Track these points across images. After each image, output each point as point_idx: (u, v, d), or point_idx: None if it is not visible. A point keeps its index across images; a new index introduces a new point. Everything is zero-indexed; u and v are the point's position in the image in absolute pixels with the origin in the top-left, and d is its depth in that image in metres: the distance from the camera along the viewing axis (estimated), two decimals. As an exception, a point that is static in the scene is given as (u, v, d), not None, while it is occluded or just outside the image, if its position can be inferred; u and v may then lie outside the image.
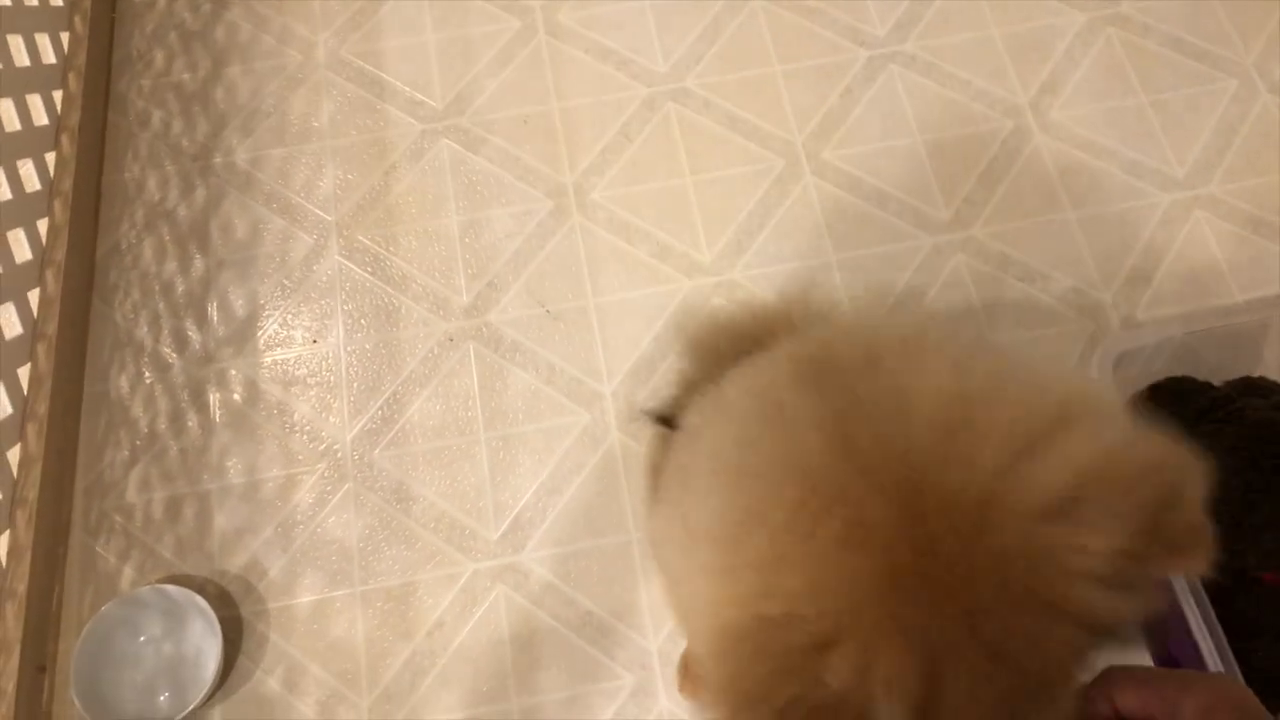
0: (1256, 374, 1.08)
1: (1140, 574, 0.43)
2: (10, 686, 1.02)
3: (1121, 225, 1.27)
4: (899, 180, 1.30)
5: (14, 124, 1.20)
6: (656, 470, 0.75)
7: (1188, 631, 0.90)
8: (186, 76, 1.40)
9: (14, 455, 1.11)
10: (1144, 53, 1.37)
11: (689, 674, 1.04)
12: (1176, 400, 1.04)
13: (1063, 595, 0.42)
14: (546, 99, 1.37)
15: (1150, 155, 1.30)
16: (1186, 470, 0.46)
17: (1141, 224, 1.26)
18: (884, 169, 1.31)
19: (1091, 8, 1.40)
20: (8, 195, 1.16)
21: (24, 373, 1.15)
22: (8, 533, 1.08)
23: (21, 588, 1.06)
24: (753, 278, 1.25)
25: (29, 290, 1.18)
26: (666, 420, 0.77)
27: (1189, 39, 1.37)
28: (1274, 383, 1.05)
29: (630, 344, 1.23)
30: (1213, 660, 0.89)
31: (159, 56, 1.42)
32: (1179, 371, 1.08)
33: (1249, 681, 0.95)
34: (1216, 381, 1.07)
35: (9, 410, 1.11)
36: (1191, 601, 0.90)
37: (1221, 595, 0.97)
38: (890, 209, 1.28)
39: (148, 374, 1.23)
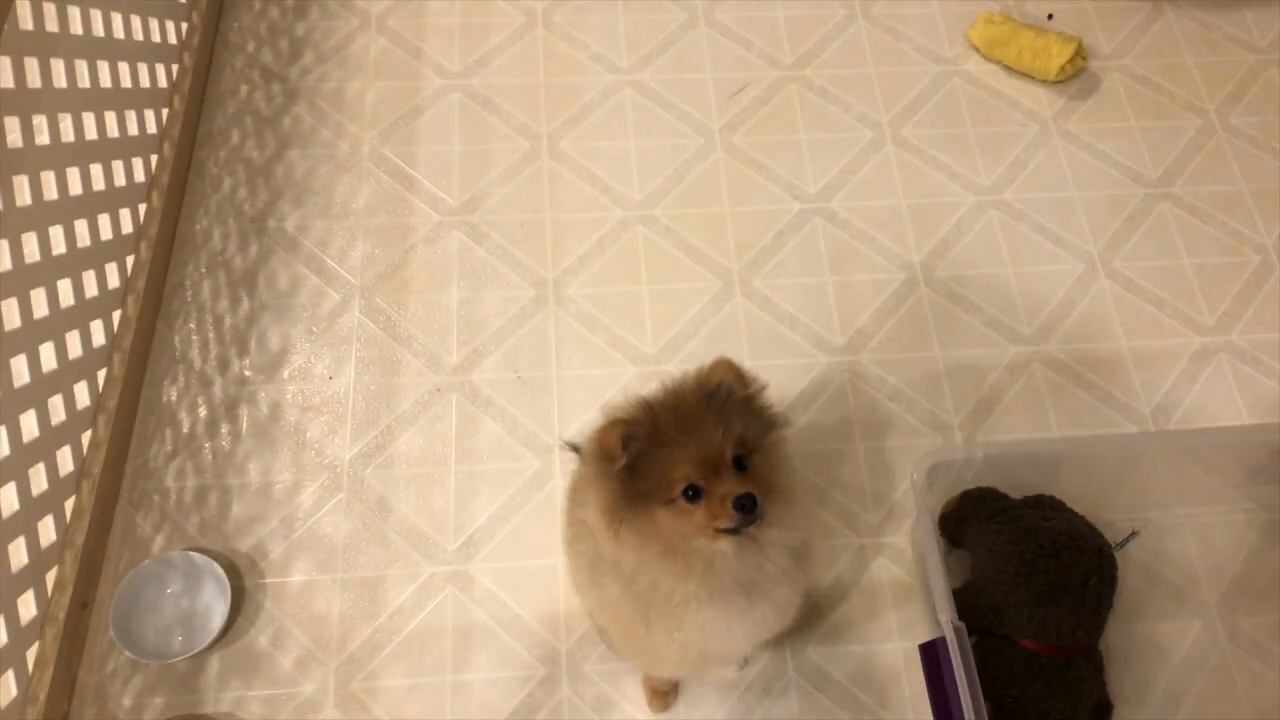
0: (1049, 493, 1.40)
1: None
2: (61, 615, 1.32)
3: (975, 367, 1.61)
4: (808, 309, 1.64)
5: (120, 180, 1.53)
6: (572, 488, 1.13)
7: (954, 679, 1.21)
8: (255, 153, 1.75)
9: (85, 438, 1.42)
10: (1015, 232, 1.73)
11: (649, 688, 1.34)
12: (978, 503, 1.37)
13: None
14: (541, 209, 1.72)
15: (1005, 314, 1.65)
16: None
17: (990, 368, 1.60)
18: (797, 299, 1.65)
19: (982, 193, 1.76)
20: (110, 235, 1.49)
21: (101, 375, 1.46)
22: (74, 497, 1.38)
23: (79, 540, 1.36)
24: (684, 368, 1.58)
25: (114, 310, 1.50)
26: (576, 448, 1.13)
27: (1050, 226, 1.73)
28: (1057, 500, 1.38)
29: (579, 411, 1.55)
30: (967, 700, 1.19)
31: (235, 134, 1.76)
32: (991, 484, 1.41)
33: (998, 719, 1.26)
34: (1016, 495, 1.39)
35: (87, 402, 1.42)
36: (959, 658, 1.20)
37: (989, 655, 1.29)
38: (798, 331, 1.62)
39: (194, 387, 1.55)
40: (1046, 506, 1.35)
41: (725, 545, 0.94)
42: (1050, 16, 1.96)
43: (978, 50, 1.91)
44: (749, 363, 1.58)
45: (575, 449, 1.03)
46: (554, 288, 1.65)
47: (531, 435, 1.53)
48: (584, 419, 1.54)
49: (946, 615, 1.21)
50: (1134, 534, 1.37)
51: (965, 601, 1.31)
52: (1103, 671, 1.30)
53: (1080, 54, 1.86)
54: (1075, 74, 1.88)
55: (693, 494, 0.91)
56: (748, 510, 0.90)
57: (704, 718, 1.34)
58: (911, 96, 1.87)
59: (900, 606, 1.43)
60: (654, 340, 1.61)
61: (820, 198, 1.75)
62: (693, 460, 0.91)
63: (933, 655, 1.27)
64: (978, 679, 1.18)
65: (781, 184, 1.77)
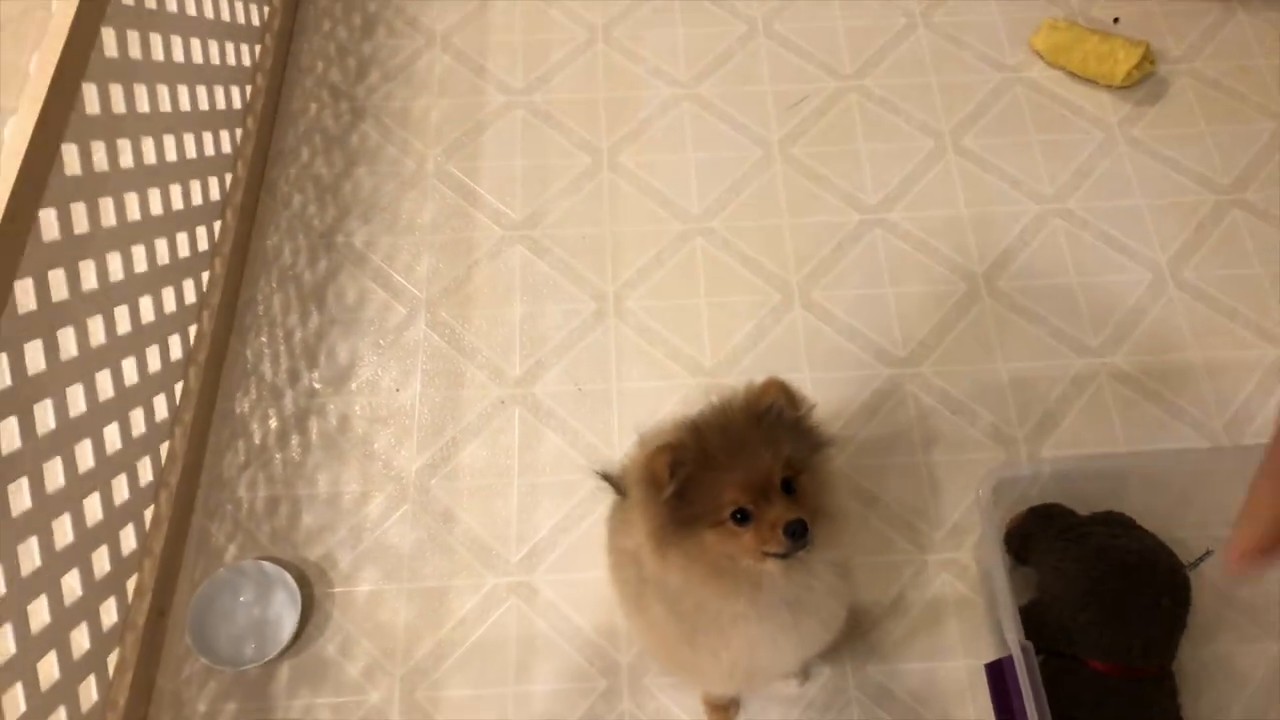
0: (1119, 510, 1.38)
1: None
2: (140, 622, 1.36)
3: (1038, 382, 1.58)
4: (868, 320, 1.64)
5: (197, 199, 1.58)
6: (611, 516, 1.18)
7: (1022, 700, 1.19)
8: (324, 170, 1.79)
9: (164, 449, 1.47)
10: (1080, 241, 1.70)
11: (708, 704, 1.35)
12: (1045, 520, 1.35)
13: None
14: (601, 223, 1.74)
15: (1070, 325, 1.62)
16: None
17: (1054, 384, 1.58)
18: (858, 311, 1.65)
19: (1046, 201, 1.74)
20: (187, 253, 1.54)
21: (178, 388, 1.51)
22: (153, 506, 1.43)
23: (157, 549, 1.41)
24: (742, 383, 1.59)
25: (190, 326, 1.55)
26: (609, 479, 1.15)
27: (1116, 235, 1.71)
28: (1126, 517, 1.35)
29: (642, 424, 1.56)
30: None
31: (305, 152, 1.81)
32: (1057, 499, 1.39)
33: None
34: (1083, 511, 1.37)
35: (165, 415, 1.47)
36: (1026, 679, 1.19)
37: (1057, 676, 1.27)
38: (858, 343, 1.62)
39: (265, 399, 1.59)
40: (1115, 524, 1.33)
41: (773, 567, 0.95)
42: (1116, 20, 1.93)
43: (1041, 57, 1.89)
44: (808, 376, 1.61)
45: (610, 480, 1.05)
46: (614, 301, 1.67)
47: (592, 448, 1.55)
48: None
49: (1014, 634, 1.20)
50: (1208, 553, 1.35)
51: (1032, 620, 1.29)
52: (1176, 696, 1.27)
53: (1148, 58, 1.82)
54: (1142, 79, 1.85)
55: (741, 517, 0.92)
56: (798, 536, 0.91)
57: (765, 731, 1.35)
58: (973, 105, 1.85)
59: (964, 623, 1.41)
60: (712, 353, 1.62)
61: (880, 208, 1.75)
62: (741, 484, 0.92)
63: (999, 675, 1.26)
64: (1045, 700, 1.17)
65: (841, 195, 1.76)
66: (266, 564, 1.42)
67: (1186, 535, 1.38)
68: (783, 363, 1.61)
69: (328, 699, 1.38)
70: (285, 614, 1.41)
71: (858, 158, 1.80)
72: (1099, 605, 1.25)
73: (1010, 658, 1.22)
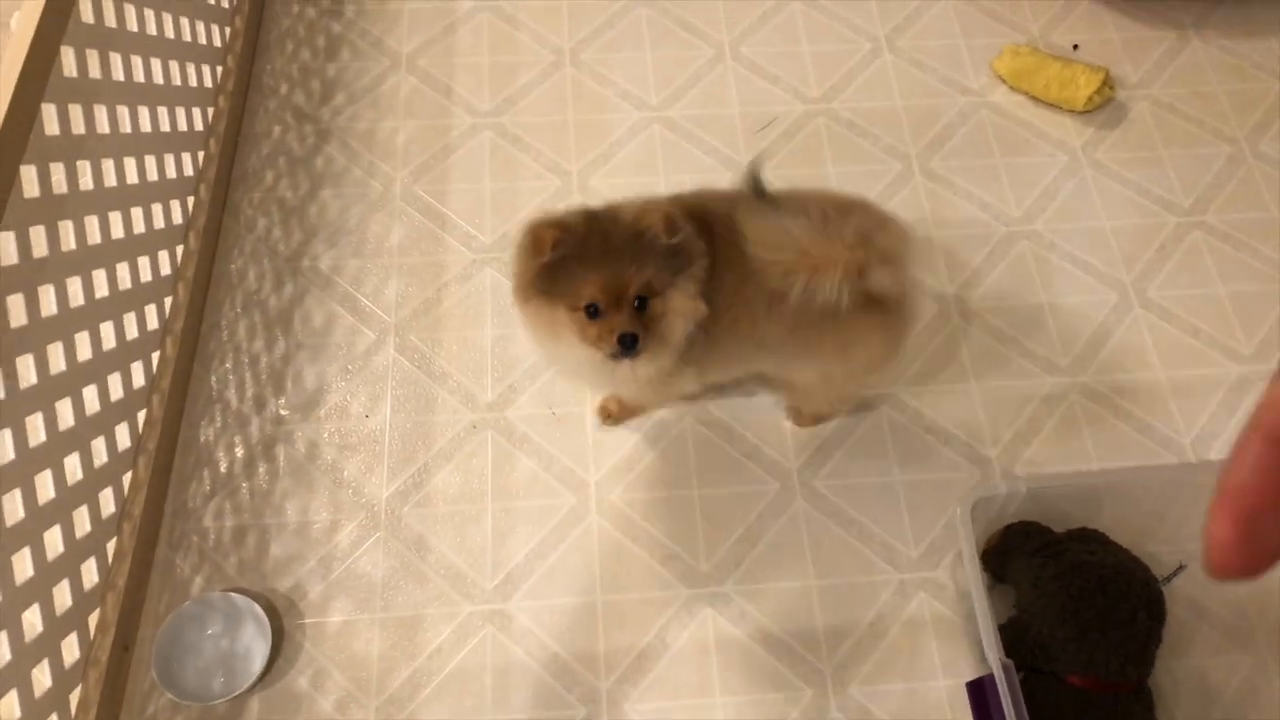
0: (1093, 526, 1.39)
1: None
2: (104, 658, 1.32)
3: (1012, 398, 1.60)
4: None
5: (159, 222, 1.55)
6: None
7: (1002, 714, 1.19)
8: (289, 194, 1.76)
9: (126, 479, 1.43)
10: (1048, 263, 1.73)
11: (604, 409, 1.55)
12: (1022, 537, 1.36)
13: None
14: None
15: (1040, 345, 1.64)
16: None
17: (1027, 399, 1.60)
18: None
19: (1013, 224, 1.76)
20: (149, 277, 1.50)
21: (141, 416, 1.47)
22: (115, 539, 1.39)
23: (121, 582, 1.37)
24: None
25: (153, 352, 1.51)
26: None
27: (1082, 256, 1.73)
28: (1100, 534, 1.36)
29: (615, 447, 1.55)
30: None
31: (269, 175, 1.78)
32: (1033, 517, 1.40)
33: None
34: (1059, 528, 1.38)
35: (128, 444, 1.43)
36: (1008, 697, 1.19)
37: (1037, 692, 1.27)
38: (832, 364, 1.62)
39: (231, 427, 1.56)
40: (1090, 540, 1.34)
41: (601, 355, 1.15)
42: (1076, 47, 1.97)
43: (1004, 81, 1.92)
44: (781, 399, 1.61)
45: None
46: (587, 323, 1.65)
47: (567, 471, 1.53)
48: (618, 454, 1.54)
49: (995, 653, 1.20)
50: (1181, 568, 1.36)
51: (1011, 638, 1.30)
52: (1153, 709, 1.28)
53: (1108, 84, 1.86)
54: (1103, 103, 1.88)
55: (592, 312, 1.11)
56: (628, 347, 1.11)
57: None
58: (939, 128, 1.87)
59: (943, 642, 1.41)
60: (688, 375, 1.61)
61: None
62: (601, 286, 1.10)
63: (980, 694, 1.26)
64: (1027, 717, 1.17)
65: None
66: (235, 595, 1.38)
67: (1159, 550, 1.40)
68: (757, 396, 1.61)
69: (299, 734, 1.34)
70: (255, 646, 1.37)
71: (826, 180, 1.81)
72: (1076, 621, 1.25)
73: (991, 676, 1.22)
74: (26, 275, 1.19)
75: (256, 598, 1.39)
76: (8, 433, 1.14)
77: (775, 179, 1.78)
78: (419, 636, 1.40)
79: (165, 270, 1.56)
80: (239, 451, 1.54)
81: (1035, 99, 1.90)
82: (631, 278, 1.10)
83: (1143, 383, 1.61)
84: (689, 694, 1.37)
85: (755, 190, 1.20)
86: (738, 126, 1.86)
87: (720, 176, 1.80)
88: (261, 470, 1.52)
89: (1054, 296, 1.69)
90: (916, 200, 1.79)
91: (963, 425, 1.58)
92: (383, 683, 1.37)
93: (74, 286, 1.31)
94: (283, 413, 1.57)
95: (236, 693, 1.33)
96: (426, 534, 1.48)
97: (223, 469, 1.53)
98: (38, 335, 1.21)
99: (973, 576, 1.25)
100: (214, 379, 1.60)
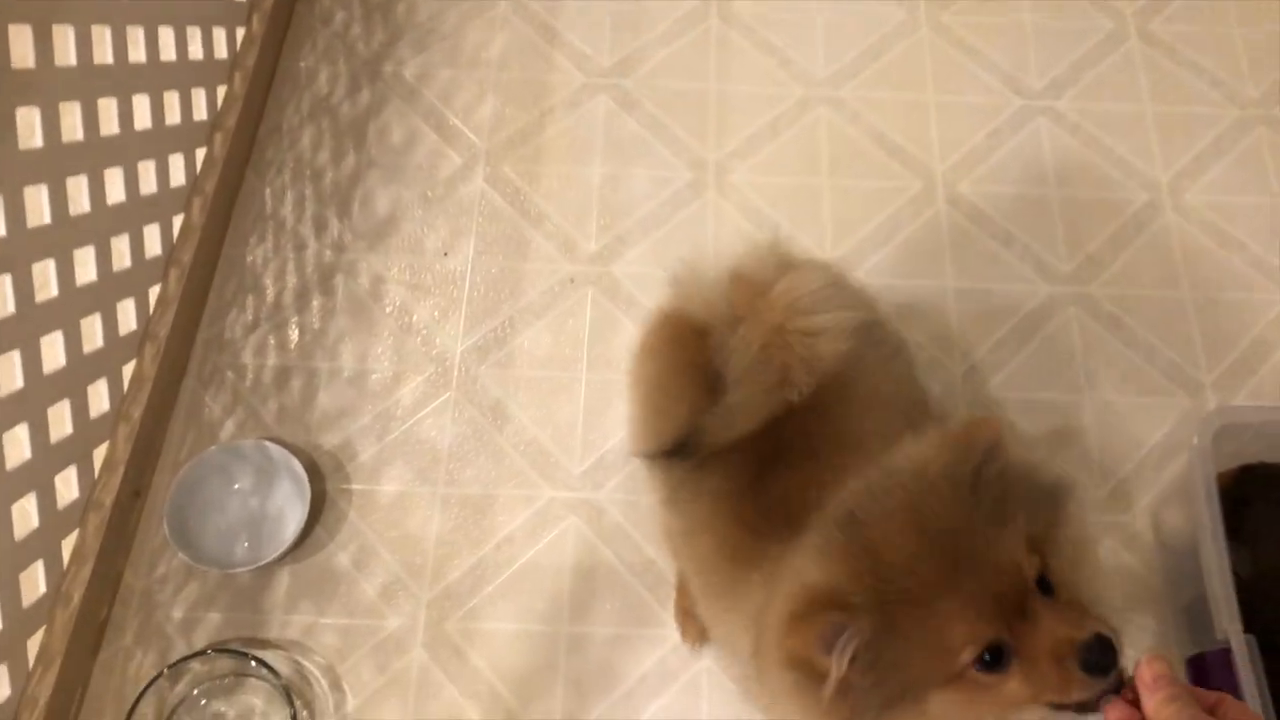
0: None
1: None
2: (109, 501, 1.08)
3: (1235, 315, 1.28)
4: (1027, 226, 1.33)
5: (218, -7, 1.27)
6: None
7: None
8: (374, -14, 1.47)
9: (153, 293, 1.17)
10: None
11: (684, 610, 1.06)
12: (1266, 483, 1.06)
13: None
14: (706, 79, 1.42)
15: (1275, 254, 1.32)
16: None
17: (1256, 318, 1.28)
18: (1015, 212, 1.34)
19: (1249, 105, 1.42)
20: (200, 54, 1.23)
21: (177, 221, 1.22)
22: (134, 362, 1.14)
23: (136, 414, 1.13)
24: (870, 286, 1.28)
25: (198, 147, 1.25)
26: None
27: None
28: (1362, 489, 1.06)
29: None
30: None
31: (352, -38, 1.49)
32: (1276, 459, 1.10)
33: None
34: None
35: (158, 251, 1.17)
36: (1252, 679, 0.91)
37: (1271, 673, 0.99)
38: (1014, 250, 1.32)
39: (284, 249, 1.30)
40: (1356, 495, 1.04)
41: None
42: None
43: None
44: (950, 285, 1.30)
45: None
46: (715, 171, 1.36)
47: (679, 346, 1.25)
48: (745, 332, 1.26)
49: (1236, 624, 0.92)
50: None
51: (1241, 606, 1.01)
52: None
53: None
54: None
55: (992, 659, 0.58)
56: (1106, 663, 0.56)
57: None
58: (1160, -14, 1.52)
59: (1131, 603, 1.13)
60: (833, 245, 1.32)
61: (1046, 94, 1.43)
62: (980, 610, 0.57)
63: (1203, 671, 0.99)
64: (1271, 704, 0.90)
65: (999, 74, 1.44)
66: (271, 445, 1.13)
67: None
68: (919, 265, 1.31)
69: (335, 619, 1.10)
70: (289, 509, 1.13)
71: (1022, 31, 1.48)
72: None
73: (1220, 651, 0.95)
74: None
75: (296, 452, 1.14)
76: (-1, 200, 0.88)
77: (959, 25, 1.48)
78: (487, 521, 1.15)
79: (221, 52, 1.29)
80: (291, 279, 1.28)
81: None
82: (1014, 552, 0.59)
83: None
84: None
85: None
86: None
87: (891, 13, 1.47)
88: (315, 304, 1.27)
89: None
90: (1130, 68, 1.45)
91: (1171, 340, 1.27)
92: (439, 571, 1.13)
93: (100, 44, 1.04)
94: (346, 238, 1.30)
95: (263, 562, 1.09)
96: (506, 400, 1.21)
97: (270, 297, 1.27)
98: (44, 90, 0.94)
99: (1211, 525, 0.96)
100: (268, 191, 1.33)
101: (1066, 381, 1.25)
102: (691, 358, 0.76)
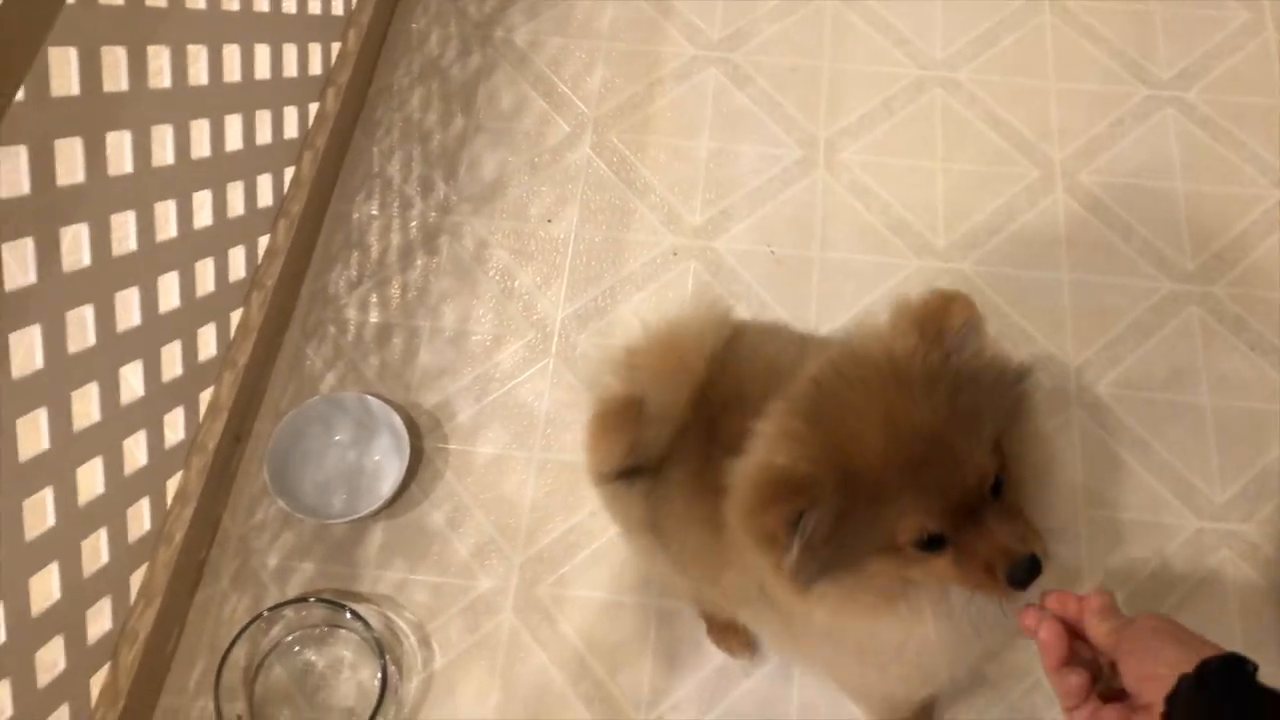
0: None
1: None
2: (212, 445, 1.09)
3: (1371, 320, 1.22)
4: (1150, 219, 1.28)
5: (338, -51, 1.27)
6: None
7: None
8: (489, -49, 1.47)
9: (263, 242, 1.18)
10: None
11: (717, 628, 1.05)
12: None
13: None
14: (819, 55, 1.40)
15: None
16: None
17: (1394, 327, 1.22)
18: (1137, 205, 1.29)
19: (1390, 103, 1.36)
20: (318, 10, 1.24)
21: (289, 174, 1.22)
22: (241, 310, 1.15)
23: (242, 361, 1.13)
24: (982, 274, 1.25)
25: (311, 102, 1.25)
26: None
27: None
28: None
29: (843, 304, 1.24)
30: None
31: (468, -73, 1.49)
32: None
33: None
34: None
35: (269, 202, 1.18)
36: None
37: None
38: (1134, 244, 1.27)
39: (390, 208, 1.30)
40: None
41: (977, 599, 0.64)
42: None
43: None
44: (1065, 277, 1.25)
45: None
46: (826, 150, 1.33)
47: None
48: (849, 313, 1.23)
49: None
50: None
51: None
52: None
53: None
54: None
55: (930, 543, 0.61)
56: (1030, 577, 0.60)
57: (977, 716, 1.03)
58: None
59: (1248, 618, 1.08)
60: (945, 230, 1.28)
61: (1174, 84, 1.37)
62: (933, 510, 0.60)
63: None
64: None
65: (1124, 61, 1.39)
66: (372, 400, 1.14)
67: None
68: (1034, 254, 1.27)
69: (426, 576, 1.10)
70: (387, 464, 1.13)
71: (1149, 19, 1.42)
72: None
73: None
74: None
75: (396, 409, 1.14)
76: (127, 135, 0.89)
77: (1083, 10, 1.44)
78: (582, 488, 1.13)
79: (337, 10, 1.29)
80: (395, 237, 1.28)
81: None
82: (977, 458, 0.60)
83: None
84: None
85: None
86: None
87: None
88: (419, 263, 1.27)
89: None
90: (1266, 58, 1.39)
91: (1296, 342, 1.21)
92: (532, 535, 1.12)
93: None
94: (452, 200, 1.30)
95: (358, 515, 1.09)
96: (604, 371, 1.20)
97: (374, 255, 1.27)
98: (175, 32, 0.95)
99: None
100: (377, 150, 1.33)
101: (1186, 384, 1.20)
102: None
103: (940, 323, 0.61)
